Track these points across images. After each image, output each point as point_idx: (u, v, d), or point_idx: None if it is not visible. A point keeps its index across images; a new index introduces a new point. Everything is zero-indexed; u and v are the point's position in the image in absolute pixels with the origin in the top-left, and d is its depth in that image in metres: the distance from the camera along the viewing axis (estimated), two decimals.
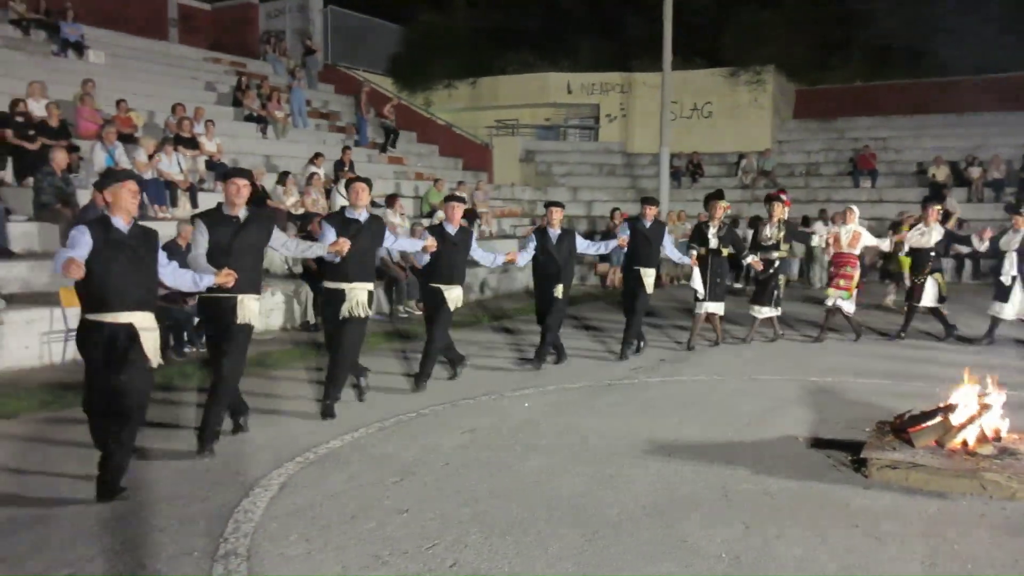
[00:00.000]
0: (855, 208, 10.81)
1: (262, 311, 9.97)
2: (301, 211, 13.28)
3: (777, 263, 10.22)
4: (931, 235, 10.49)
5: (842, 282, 10.39)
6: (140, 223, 5.14)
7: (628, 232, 9.45)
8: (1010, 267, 10.10)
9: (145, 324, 4.93)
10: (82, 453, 5.47)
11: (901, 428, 5.60)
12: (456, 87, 25.94)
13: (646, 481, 5.25)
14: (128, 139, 13.07)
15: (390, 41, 26.13)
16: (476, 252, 8.33)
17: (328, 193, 14.48)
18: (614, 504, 4.84)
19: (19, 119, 11.71)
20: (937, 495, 4.97)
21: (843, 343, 10.48)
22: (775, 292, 10.26)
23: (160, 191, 12.23)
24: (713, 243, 9.89)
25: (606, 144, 25.23)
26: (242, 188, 5.95)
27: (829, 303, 10.52)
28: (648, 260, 9.46)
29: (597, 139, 25.78)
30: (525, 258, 8.92)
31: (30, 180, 10.95)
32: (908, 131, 23.04)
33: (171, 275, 5.36)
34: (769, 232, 10.20)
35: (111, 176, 5.30)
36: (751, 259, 10.11)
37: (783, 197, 10.46)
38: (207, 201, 13.10)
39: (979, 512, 4.73)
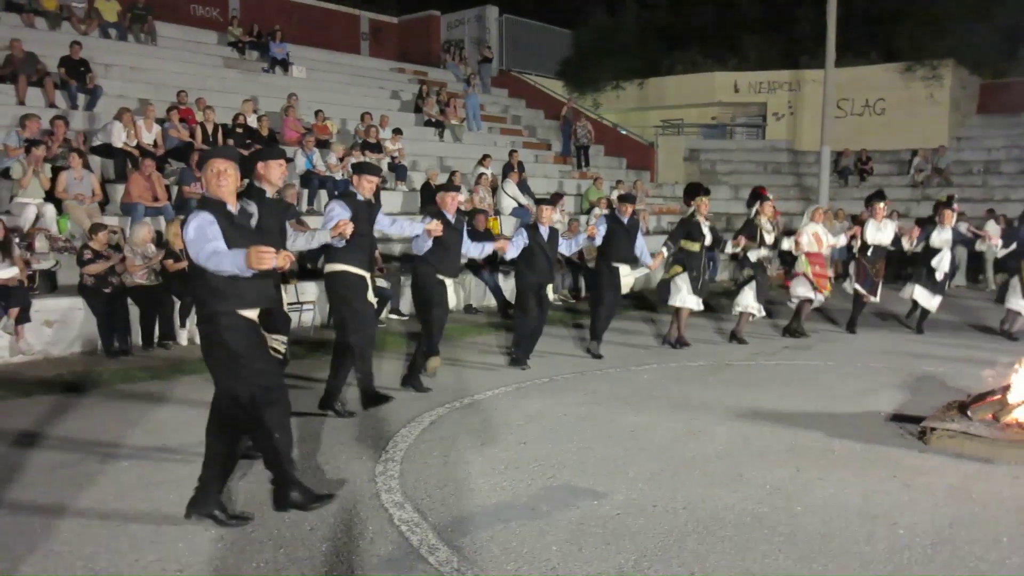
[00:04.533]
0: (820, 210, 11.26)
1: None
2: (469, 208, 14.83)
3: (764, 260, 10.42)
4: (886, 232, 10.86)
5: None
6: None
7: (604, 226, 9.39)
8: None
9: None
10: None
11: (966, 405, 6.25)
12: (624, 88, 26.88)
13: (727, 435, 6.25)
14: (324, 145, 15.13)
15: (560, 45, 27.50)
16: (466, 244, 7.95)
17: (494, 191, 15.99)
18: (693, 449, 5.90)
19: (239, 130, 13.98)
20: (984, 460, 5.65)
21: (970, 337, 10.79)
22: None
23: (347, 189, 14.13)
24: (708, 239, 9.84)
25: (772, 142, 25.38)
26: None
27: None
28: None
29: (764, 137, 25.97)
30: (513, 251, 8.43)
31: (244, 181, 13.08)
32: None
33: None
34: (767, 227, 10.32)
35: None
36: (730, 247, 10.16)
37: (768, 196, 10.47)
38: (388, 198, 14.98)
39: (1014, 475, 5.39)
